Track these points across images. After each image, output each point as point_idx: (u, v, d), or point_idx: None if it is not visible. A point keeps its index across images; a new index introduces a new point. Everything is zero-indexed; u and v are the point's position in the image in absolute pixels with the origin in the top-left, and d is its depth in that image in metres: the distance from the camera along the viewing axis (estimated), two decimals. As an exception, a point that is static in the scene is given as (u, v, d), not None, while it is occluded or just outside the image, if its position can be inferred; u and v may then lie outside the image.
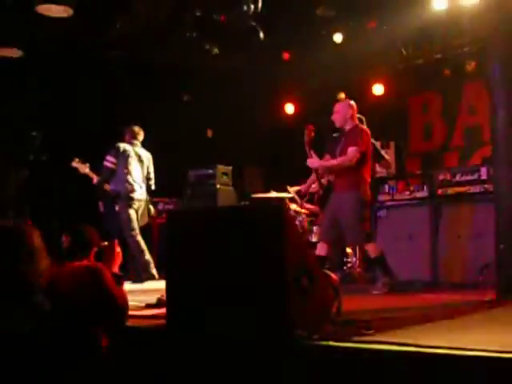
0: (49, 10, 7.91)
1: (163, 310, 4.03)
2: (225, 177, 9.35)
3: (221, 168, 9.34)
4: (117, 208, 7.91)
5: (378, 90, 10.81)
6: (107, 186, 7.85)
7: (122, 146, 7.86)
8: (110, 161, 7.76)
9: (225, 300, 3.60)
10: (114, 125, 9.83)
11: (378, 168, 7.81)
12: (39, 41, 9.04)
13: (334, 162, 6.41)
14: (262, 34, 9.18)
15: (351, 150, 6.22)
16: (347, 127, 6.42)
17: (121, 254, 4.29)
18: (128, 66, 9.83)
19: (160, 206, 9.69)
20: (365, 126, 6.63)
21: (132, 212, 7.81)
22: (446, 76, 10.09)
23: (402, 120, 10.96)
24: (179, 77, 10.28)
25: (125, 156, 7.80)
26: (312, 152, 6.44)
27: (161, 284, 4.19)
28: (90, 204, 8.64)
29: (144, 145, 8.18)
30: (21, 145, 8.28)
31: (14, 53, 9.22)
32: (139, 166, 7.94)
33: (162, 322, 3.92)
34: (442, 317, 4.18)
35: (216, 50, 9.65)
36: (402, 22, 9.17)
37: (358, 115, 6.65)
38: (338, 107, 6.53)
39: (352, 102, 6.57)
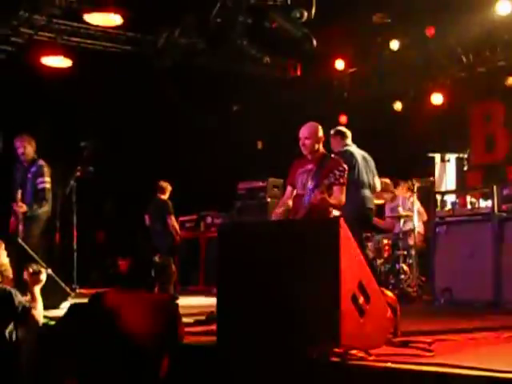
0: (96, 19, 7.87)
1: (213, 327, 4.02)
2: (276, 189, 9.13)
3: (272, 181, 9.16)
4: None
5: (436, 99, 10.38)
6: None
7: None
8: None
9: (277, 318, 3.58)
10: (162, 136, 9.72)
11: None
12: (89, 51, 9.00)
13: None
14: (314, 42, 8.91)
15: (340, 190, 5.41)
16: (317, 154, 5.47)
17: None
18: (177, 76, 9.70)
19: (208, 220, 9.50)
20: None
21: None
22: (509, 84, 9.61)
23: (462, 131, 10.51)
24: (229, 86, 10.10)
25: None
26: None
27: (207, 299, 3.99)
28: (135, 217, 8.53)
29: (192, 157, 8.04)
30: (70, 155, 8.19)
31: (64, 62, 9.21)
32: None
33: (213, 338, 3.89)
34: (504, 340, 4.04)
35: (267, 59, 9.43)
36: (462, 28, 8.83)
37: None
38: (307, 131, 5.50)
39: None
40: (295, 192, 5.52)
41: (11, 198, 7.07)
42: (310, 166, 5.45)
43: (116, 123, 9.87)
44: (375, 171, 6.97)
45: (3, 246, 4.34)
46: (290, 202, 5.52)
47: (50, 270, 5.66)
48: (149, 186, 8.95)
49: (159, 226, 8.56)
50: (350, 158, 6.62)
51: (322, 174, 5.27)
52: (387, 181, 8.00)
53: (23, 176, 7.16)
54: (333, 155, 5.77)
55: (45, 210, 7.14)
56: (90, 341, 3.13)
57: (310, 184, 5.32)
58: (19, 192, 6.99)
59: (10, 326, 3.92)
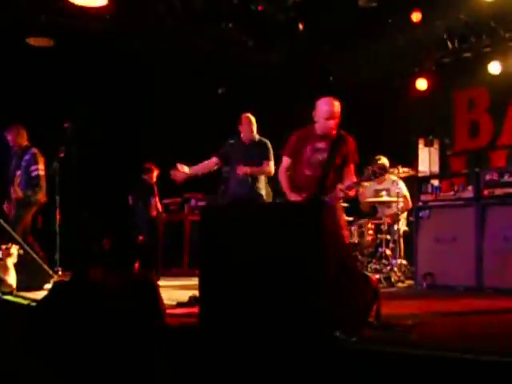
0: (81, -1, 7.78)
1: (195, 309, 4.01)
2: (260, 173, 9.07)
3: (256, 163, 9.07)
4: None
5: (421, 84, 10.39)
6: None
7: None
8: None
9: (260, 298, 3.59)
10: (148, 117, 9.66)
11: None
12: (71, 31, 8.89)
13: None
14: (301, 26, 8.89)
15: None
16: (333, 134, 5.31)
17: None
18: (162, 57, 9.62)
19: (192, 203, 9.47)
20: None
21: None
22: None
23: (446, 117, 10.53)
24: (215, 69, 10.03)
25: None
26: None
27: (190, 282, 3.99)
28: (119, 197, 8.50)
29: (177, 138, 8.00)
30: (54, 136, 8.13)
31: (47, 42, 9.12)
32: None
33: (195, 320, 3.89)
34: (487, 324, 4.08)
35: (252, 43, 9.37)
36: (448, 14, 8.77)
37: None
38: (338, 110, 5.36)
39: None
40: (301, 169, 5.30)
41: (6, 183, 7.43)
42: (321, 145, 5.26)
43: (99, 103, 9.78)
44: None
45: None
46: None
47: (21, 251, 6.17)
48: (133, 167, 8.93)
49: (141, 206, 8.61)
50: None
51: (342, 155, 5.22)
52: (385, 162, 7.93)
53: (17, 163, 7.43)
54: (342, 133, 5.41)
55: (38, 196, 7.37)
56: (74, 318, 3.14)
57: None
58: (18, 176, 7.33)
59: None
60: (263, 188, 6.94)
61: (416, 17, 9.16)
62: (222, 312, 3.75)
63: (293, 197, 5.17)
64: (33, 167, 7.34)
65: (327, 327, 3.31)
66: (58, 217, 7.78)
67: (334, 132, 5.21)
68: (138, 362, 3.29)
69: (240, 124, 6.98)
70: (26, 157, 7.38)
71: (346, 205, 7.66)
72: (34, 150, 7.44)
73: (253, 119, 7.00)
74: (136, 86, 9.91)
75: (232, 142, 6.99)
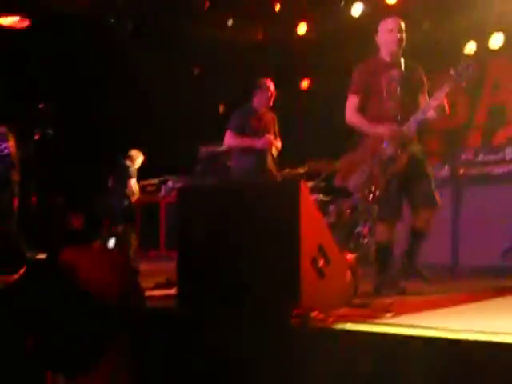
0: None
1: (173, 291, 4.04)
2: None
3: (233, 145, 9.05)
4: None
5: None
6: None
7: None
8: None
9: (237, 279, 3.59)
10: (122, 99, 9.58)
11: None
12: (47, 10, 8.78)
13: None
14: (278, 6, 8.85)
15: None
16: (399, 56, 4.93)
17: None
18: (137, 37, 9.53)
19: (169, 184, 9.44)
20: None
21: None
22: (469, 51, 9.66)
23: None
24: (190, 49, 9.96)
25: None
26: None
27: (168, 264, 4.00)
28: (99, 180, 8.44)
29: (153, 121, 7.94)
30: (29, 118, 8.06)
31: (22, 22, 8.98)
32: None
33: (173, 302, 3.90)
34: (462, 301, 4.12)
35: (230, 22, 9.32)
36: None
37: None
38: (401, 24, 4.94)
39: None
40: (375, 103, 4.81)
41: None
42: (394, 73, 4.80)
43: (76, 85, 9.68)
44: None
45: None
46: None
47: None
48: (110, 149, 8.86)
49: (119, 188, 8.57)
50: None
51: (415, 81, 4.85)
52: None
53: None
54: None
55: (11, 174, 7.32)
56: (49, 298, 3.12)
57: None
58: None
59: None
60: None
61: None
62: (200, 293, 3.76)
63: (379, 129, 4.67)
64: (3, 145, 7.25)
65: (304, 307, 3.31)
66: (33, 199, 7.73)
67: (399, 47, 4.78)
68: (112, 343, 3.28)
69: (257, 89, 6.27)
70: None
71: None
72: (2, 130, 7.34)
73: (271, 86, 6.29)
74: (112, 67, 9.81)
75: (243, 111, 6.31)
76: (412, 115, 4.63)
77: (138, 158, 8.81)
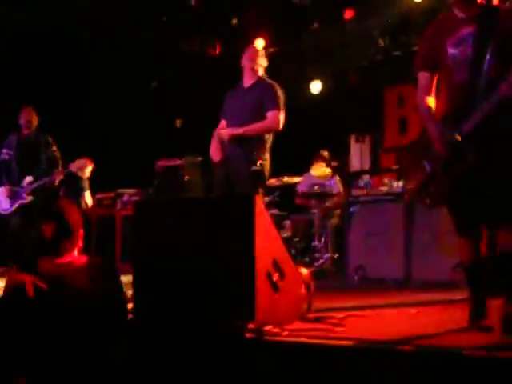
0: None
1: (129, 305, 3.92)
2: (193, 168, 9.07)
3: (189, 159, 9.05)
4: None
5: (353, 80, 10.56)
6: None
7: None
8: None
9: (193, 293, 3.60)
10: (77, 109, 9.48)
11: None
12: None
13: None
14: (234, 21, 8.90)
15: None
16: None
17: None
18: (96, 48, 9.47)
19: (125, 198, 9.37)
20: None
21: None
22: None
23: (377, 113, 10.73)
24: (148, 62, 9.94)
25: None
26: None
27: (123, 277, 3.95)
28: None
29: (110, 132, 7.86)
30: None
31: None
32: None
33: (129, 316, 3.81)
34: (412, 316, 4.16)
35: (187, 36, 9.34)
36: (380, 12, 8.94)
37: None
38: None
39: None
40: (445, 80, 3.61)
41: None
42: (466, 30, 3.45)
43: (33, 95, 9.55)
44: None
45: None
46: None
47: None
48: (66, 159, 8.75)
49: (73, 199, 8.47)
50: None
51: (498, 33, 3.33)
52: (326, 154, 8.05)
53: None
54: None
55: None
56: (35, 316, 3.03)
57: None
58: None
59: None
60: (262, 154, 5.17)
61: (348, 14, 9.31)
62: (156, 306, 3.75)
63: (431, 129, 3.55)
64: None
65: (258, 321, 3.33)
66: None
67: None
68: (98, 350, 3.24)
69: (243, 56, 5.38)
70: None
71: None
72: None
73: (261, 52, 5.41)
74: (71, 78, 9.71)
75: (231, 91, 5.52)
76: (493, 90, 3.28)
77: (86, 168, 8.68)
